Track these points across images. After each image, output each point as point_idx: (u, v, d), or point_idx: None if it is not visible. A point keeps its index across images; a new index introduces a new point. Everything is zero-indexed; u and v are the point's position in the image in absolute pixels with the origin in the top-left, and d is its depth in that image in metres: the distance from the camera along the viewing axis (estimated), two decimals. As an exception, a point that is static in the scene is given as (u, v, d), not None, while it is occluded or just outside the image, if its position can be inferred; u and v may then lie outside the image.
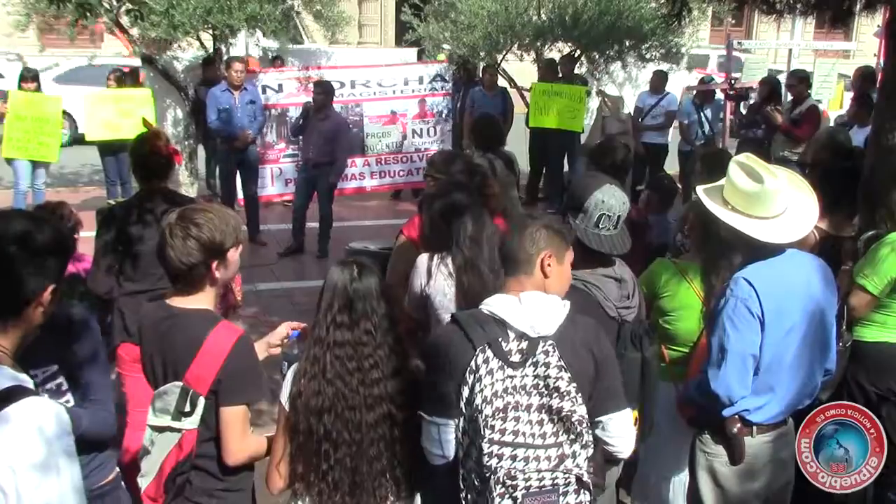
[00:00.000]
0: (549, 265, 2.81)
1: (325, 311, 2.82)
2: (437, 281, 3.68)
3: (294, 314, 7.64)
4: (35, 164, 10.39)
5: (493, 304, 2.75)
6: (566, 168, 12.16)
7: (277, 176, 11.07)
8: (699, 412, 3.48)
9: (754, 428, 3.31)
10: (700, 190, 3.37)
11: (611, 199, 3.40)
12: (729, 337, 3.21)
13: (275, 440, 2.90)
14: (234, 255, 2.96)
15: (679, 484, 4.09)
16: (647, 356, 3.38)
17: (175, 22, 10.28)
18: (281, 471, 2.85)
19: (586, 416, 2.60)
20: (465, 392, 2.63)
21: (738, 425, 3.30)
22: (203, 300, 2.93)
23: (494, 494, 2.53)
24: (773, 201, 3.16)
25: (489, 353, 2.62)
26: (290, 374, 2.88)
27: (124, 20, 10.89)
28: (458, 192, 3.83)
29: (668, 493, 4.18)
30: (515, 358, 2.62)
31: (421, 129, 12.00)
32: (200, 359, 2.81)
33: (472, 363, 2.62)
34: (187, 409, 2.83)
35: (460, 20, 12.96)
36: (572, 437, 2.57)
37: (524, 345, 2.64)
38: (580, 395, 2.59)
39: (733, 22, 28.75)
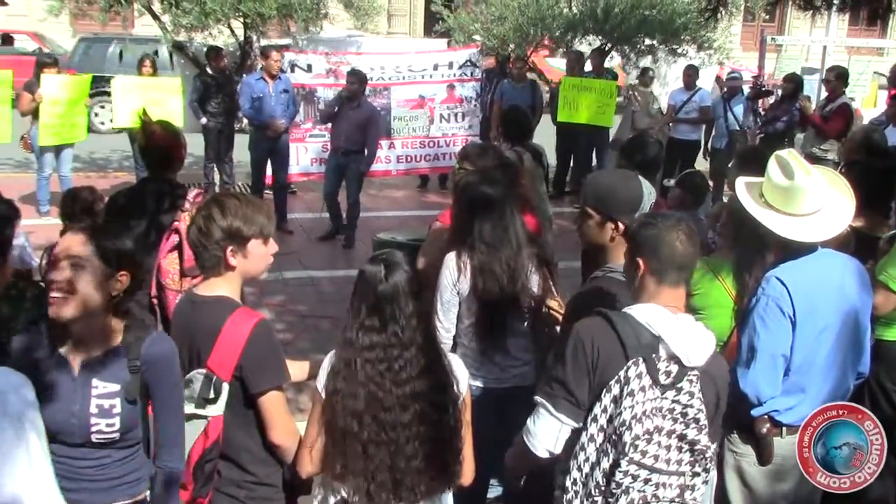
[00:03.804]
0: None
1: (354, 314, 2.81)
2: (467, 276, 3.71)
3: (320, 303, 7.70)
4: (59, 149, 10.25)
5: (649, 315, 2.62)
6: (594, 162, 12.10)
7: (303, 155, 11.03)
8: (728, 411, 3.44)
9: (784, 429, 3.27)
10: (740, 182, 3.32)
11: (649, 185, 3.40)
12: (759, 336, 3.18)
13: (308, 425, 2.89)
14: (257, 246, 2.95)
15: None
16: None
17: (207, 9, 10.35)
18: (313, 456, 2.85)
19: (712, 451, 2.57)
20: (607, 400, 2.55)
21: (768, 425, 3.26)
22: (224, 287, 2.94)
23: None
24: (803, 198, 3.11)
25: (643, 367, 2.52)
26: (326, 363, 2.89)
27: (157, 7, 10.97)
28: (488, 185, 3.80)
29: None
30: (664, 380, 2.52)
31: (448, 115, 11.87)
32: (220, 345, 2.82)
33: (623, 373, 2.52)
34: (211, 395, 2.84)
35: (490, 11, 12.93)
36: (697, 469, 2.54)
37: (674, 368, 2.54)
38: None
39: (766, 17, 28.46)
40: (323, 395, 2.84)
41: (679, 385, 2.52)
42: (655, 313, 2.62)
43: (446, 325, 3.78)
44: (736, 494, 3.43)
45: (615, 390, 2.53)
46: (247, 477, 2.93)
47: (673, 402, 2.51)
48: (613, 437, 2.52)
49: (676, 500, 2.52)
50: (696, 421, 2.51)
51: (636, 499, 2.48)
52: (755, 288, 3.27)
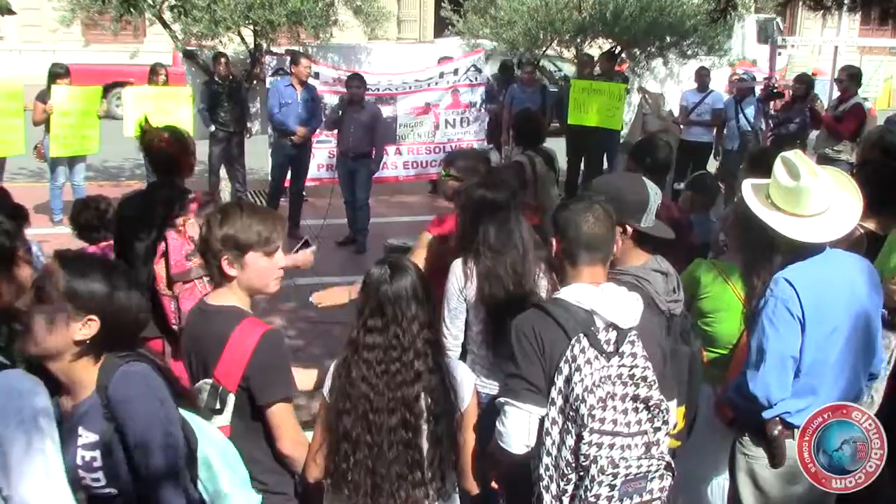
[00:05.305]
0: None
1: (358, 314, 2.83)
2: (473, 283, 3.71)
3: (332, 309, 7.67)
4: (72, 161, 10.33)
5: (577, 294, 2.77)
6: (605, 165, 12.08)
7: (311, 161, 11.01)
8: (739, 414, 3.44)
9: (796, 430, 3.25)
10: (747, 184, 3.32)
11: (655, 186, 3.40)
12: (768, 338, 3.16)
13: (315, 430, 2.90)
14: (256, 259, 2.90)
15: (718, 487, 4.03)
16: (693, 350, 3.37)
17: (217, 17, 10.39)
18: (318, 461, 2.87)
19: (666, 403, 2.70)
20: (559, 382, 2.67)
21: (780, 427, 3.25)
22: (231, 297, 2.93)
23: (595, 483, 2.60)
24: (809, 199, 3.10)
25: (585, 342, 2.66)
26: (332, 369, 2.90)
27: (167, 16, 11.02)
28: (491, 190, 3.79)
29: (707, 495, 4.13)
30: (608, 348, 2.67)
31: (454, 120, 11.92)
32: (227, 355, 2.81)
33: (569, 352, 2.66)
34: (217, 406, 2.84)
35: (500, 16, 12.92)
36: (657, 424, 2.68)
37: (613, 335, 2.69)
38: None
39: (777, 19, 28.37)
40: (327, 400, 2.86)
41: (622, 350, 2.66)
42: (582, 290, 2.78)
43: (454, 332, 3.79)
44: (749, 497, 3.41)
45: (565, 371, 2.66)
46: (257, 486, 2.90)
47: (619, 367, 2.65)
48: (571, 413, 2.64)
49: (644, 457, 2.66)
50: (644, 379, 2.65)
51: (605, 465, 2.59)
52: (763, 290, 3.26)
